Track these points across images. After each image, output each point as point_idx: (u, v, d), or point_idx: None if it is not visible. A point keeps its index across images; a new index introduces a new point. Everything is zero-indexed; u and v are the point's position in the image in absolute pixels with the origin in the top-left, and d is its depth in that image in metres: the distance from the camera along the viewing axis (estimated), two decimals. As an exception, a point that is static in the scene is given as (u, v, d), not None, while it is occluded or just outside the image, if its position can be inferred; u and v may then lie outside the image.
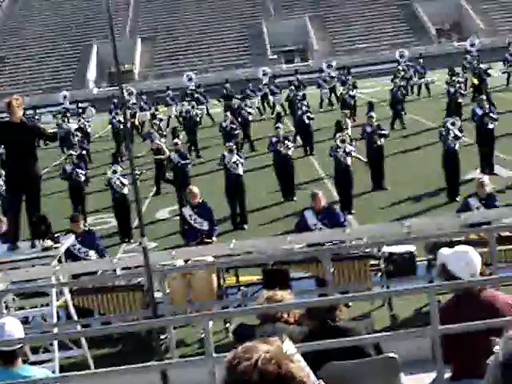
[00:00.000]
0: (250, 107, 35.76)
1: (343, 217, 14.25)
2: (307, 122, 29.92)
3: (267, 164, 25.23)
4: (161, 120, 33.35)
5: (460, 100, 30.35)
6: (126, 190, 20.49)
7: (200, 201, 15.70)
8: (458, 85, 31.49)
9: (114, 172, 20.70)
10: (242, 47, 69.77)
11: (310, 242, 12.74)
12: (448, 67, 36.31)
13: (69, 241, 12.28)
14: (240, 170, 20.52)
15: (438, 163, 20.93)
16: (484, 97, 25.01)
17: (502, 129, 25.40)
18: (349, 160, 20.18)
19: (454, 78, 32.94)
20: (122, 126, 34.23)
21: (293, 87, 39.15)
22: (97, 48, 68.75)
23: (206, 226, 15.41)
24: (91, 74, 68.15)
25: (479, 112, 23.56)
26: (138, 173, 19.25)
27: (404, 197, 21.16)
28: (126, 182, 20.47)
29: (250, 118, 33.76)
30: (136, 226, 18.19)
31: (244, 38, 71.10)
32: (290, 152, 22.94)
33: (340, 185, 20.42)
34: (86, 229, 14.91)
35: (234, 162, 20.38)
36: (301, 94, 35.19)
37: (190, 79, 44.91)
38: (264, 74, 44.78)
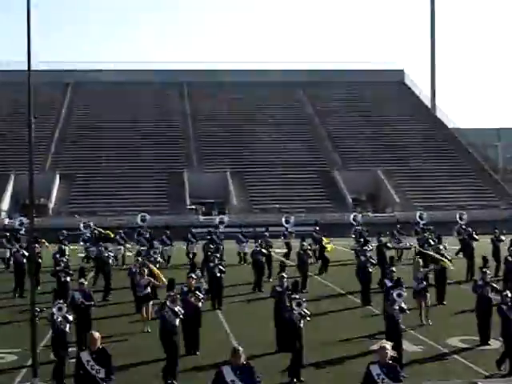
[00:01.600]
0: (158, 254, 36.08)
1: (259, 377, 13.84)
2: (218, 275, 29.74)
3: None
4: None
5: (370, 269, 30.59)
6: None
7: (100, 347, 15.12)
8: (368, 254, 31.89)
9: (59, 309, 19.90)
10: (161, 194, 70.06)
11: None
12: (362, 237, 37.03)
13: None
14: (177, 322, 20.07)
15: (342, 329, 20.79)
16: (394, 268, 25.27)
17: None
18: (302, 323, 19.84)
19: (365, 247, 33.44)
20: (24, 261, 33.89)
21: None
22: (14, 178, 68.21)
23: (102, 374, 14.79)
24: (4, 204, 67.33)
25: (388, 284, 23.78)
26: (38, 310, 18.54)
27: (310, 361, 20.86)
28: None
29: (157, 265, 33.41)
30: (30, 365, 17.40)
31: (164, 185, 71.52)
32: (199, 304, 22.61)
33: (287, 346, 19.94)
34: None
35: (174, 312, 19.92)
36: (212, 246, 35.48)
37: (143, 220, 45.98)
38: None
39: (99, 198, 68.16)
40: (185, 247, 43.44)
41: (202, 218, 66.25)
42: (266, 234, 40.96)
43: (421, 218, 47.12)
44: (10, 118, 78.88)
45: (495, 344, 22.28)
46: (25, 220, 18.40)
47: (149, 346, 22.45)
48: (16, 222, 17.33)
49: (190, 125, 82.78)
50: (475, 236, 39.40)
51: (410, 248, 40.56)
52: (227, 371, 13.58)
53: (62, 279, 29.19)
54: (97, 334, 15.29)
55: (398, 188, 71.88)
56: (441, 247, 32.41)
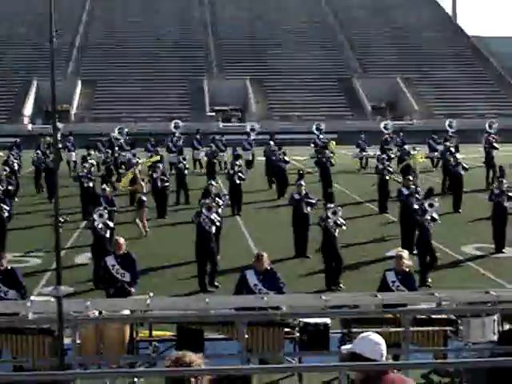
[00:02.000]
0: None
1: (283, 282, 14.24)
2: (238, 182, 30.08)
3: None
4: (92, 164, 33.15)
5: (387, 177, 30.66)
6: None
7: (125, 251, 15.58)
8: (386, 162, 31.83)
9: (100, 216, 20.38)
10: (183, 101, 70.07)
11: (229, 307, 12.74)
12: (380, 144, 37.04)
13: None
14: (213, 229, 20.22)
15: (361, 236, 21.12)
16: (411, 177, 25.37)
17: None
18: (337, 232, 19.86)
19: (383, 155, 33.34)
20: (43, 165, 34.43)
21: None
22: (36, 85, 68.33)
23: (127, 278, 15.27)
24: (27, 109, 67.62)
25: (405, 192, 23.93)
26: (62, 220, 18.87)
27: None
28: None
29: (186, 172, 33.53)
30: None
31: (185, 92, 71.46)
32: (219, 210, 22.87)
33: (326, 257, 19.82)
34: (8, 267, 14.44)
35: (211, 220, 20.15)
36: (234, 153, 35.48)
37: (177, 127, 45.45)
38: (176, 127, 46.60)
39: (121, 104, 68.28)
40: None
41: (221, 124, 66.33)
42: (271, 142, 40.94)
43: (450, 126, 46.11)
44: (30, 25, 78.41)
45: (510, 252, 22.63)
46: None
47: (168, 251, 23.00)
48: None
49: (210, 32, 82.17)
50: (495, 145, 39.34)
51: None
52: (250, 275, 13.96)
53: (85, 185, 29.65)
54: (122, 239, 15.76)
55: (417, 96, 71.45)
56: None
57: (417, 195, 23.61)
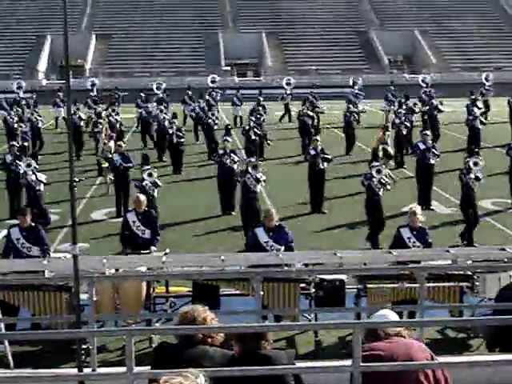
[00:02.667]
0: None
1: (292, 237, 14.27)
2: (253, 137, 30.01)
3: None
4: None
5: (404, 132, 30.47)
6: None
7: (146, 209, 15.66)
8: (403, 117, 31.52)
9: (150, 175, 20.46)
10: (197, 55, 69.75)
11: (243, 264, 12.78)
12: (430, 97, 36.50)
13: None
14: (257, 188, 20.28)
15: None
16: (428, 132, 25.26)
17: (443, 165, 25.84)
18: (381, 191, 19.57)
19: (400, 110, 32.91)
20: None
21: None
22: (50, 40, 68.10)
23: (147, 235, 15.33)
24: (42, 65, 67.49)
25: (422, 147, 23.81)
26: (77, 180, 18.88)
27: (341, 222, 21.31)
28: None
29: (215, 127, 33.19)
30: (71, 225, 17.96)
31: (200, 46, 71.10)
32: (235, 166, 22.87)
33: (370, 212, 19.48)
34: (32, 224, 14.56)
35: (256, 179, 20.12)
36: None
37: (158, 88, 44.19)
38: (212, 82, 45.23)
39: (135, 59, 68.06)
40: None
41: (237, 79, 66.03)
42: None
43: (487, 79, 44.86)
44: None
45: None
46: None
47: (188, 206, 23.09)
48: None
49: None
50: None
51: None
52: (260, 232, 14.02)
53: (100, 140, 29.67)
54: (143, 197, 15.85)
55: (434, 49, 70.81)
56: None
57: (434, 150, 23.55)
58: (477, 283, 12.67)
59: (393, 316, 6.86)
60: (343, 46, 70.98)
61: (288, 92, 45.21)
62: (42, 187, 20.84)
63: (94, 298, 11.20)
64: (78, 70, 64.99)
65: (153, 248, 15.14)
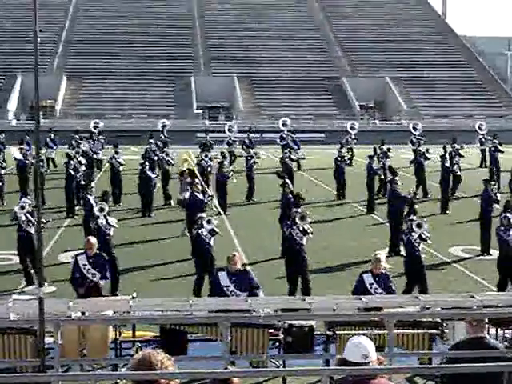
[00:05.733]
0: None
1: (257, 282, 14.18)
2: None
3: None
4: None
5: (382, 177, 31.18)
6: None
7: (97, 252, 15.49)
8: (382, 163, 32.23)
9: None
10: (169, 98, 69.87)
11: (213, 309, 12.66)
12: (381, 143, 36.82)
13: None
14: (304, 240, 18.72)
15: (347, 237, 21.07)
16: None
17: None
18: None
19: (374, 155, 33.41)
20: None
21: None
22: (21, 80, 67.92)
23: (97, 278, 15.19)
24: (12, 105, 67.22)
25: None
26: (45, 221, 18.71)
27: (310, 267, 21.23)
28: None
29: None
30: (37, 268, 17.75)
31: (171, 89, 71.26)
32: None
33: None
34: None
35: (304, 231, 18.55)
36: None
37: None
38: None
39: (107, 101, 68.02)
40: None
41: (208, 122, 66.12)
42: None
43: (415, 128, 45.22)
44: (16, 18, 77.89)
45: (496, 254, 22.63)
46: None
47: (157, 249, 22.87)
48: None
49: (197, 28, 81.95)
50: (500, 147, 39.01)
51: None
52: (222, 276, 13.93)
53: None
54: (93, 239, 15.77)
55: (405, 95, 71.51)
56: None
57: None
58: (446, 330, 12.64)
59: (367, 343, 6.75)
60: (315, 91, 71.41)
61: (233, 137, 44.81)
62: (111, 232, 19.65)
63: (60, 342, 11.03)
64: (48, 110, 64.82)
65: (101, 282, 15.32)
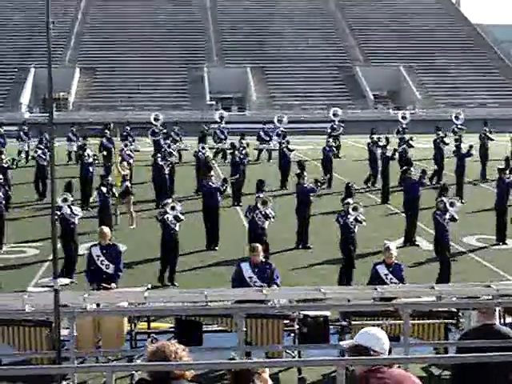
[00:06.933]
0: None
1: (277, 274, 14.18)
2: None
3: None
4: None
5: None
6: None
7: (110, 243, 15.48)
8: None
9: (65, 200, 20.06)
10: (181, 90, 69.85)
11: (227, 299, 12.67)
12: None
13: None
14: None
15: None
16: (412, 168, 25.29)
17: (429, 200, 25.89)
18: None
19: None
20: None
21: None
22: (34, 72, 68.01)
23: (111, 270, 15.14)
24: (25, 97, 67.34)
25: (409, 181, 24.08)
26: (59, 213, 18.90)
27: (325, 258, 21.20)
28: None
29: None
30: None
31: (184, 80, 71.24)
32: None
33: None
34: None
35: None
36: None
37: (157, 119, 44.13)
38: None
39: (119, 93, 68.03)
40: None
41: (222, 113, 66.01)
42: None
43: (457, 117, 44.66)
44: (28, 10, 78.02)
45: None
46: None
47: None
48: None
49: (210, 18, 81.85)
50: (491, 135, 38.72)
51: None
52: (246, 268, 13.91)
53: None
54: (107, 229, 15.76)
55: (419, 85, 71.25)
56: None
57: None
58: (461, 320, 12.60)
59: (381, 334, 6.69)
60: (328, 81, 71.27)
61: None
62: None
63: (75, 334, 11.05)
64: (61, 103, 64.94)
65: (113, 285, 14.85)
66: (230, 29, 79.11)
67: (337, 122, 44.51)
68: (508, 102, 67.68)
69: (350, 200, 19.58)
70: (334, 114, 45.84)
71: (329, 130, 42.63)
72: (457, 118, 43.68)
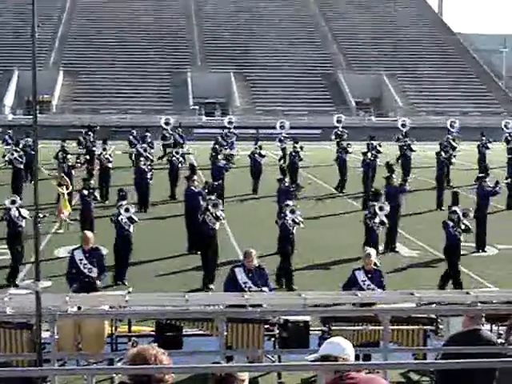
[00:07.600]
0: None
1: (268, 279, 14.25)
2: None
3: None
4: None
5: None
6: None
7: (93, 246, 15.49)
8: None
9: (13, 202, 19.99)
10: (165, 94, 69.82)
11: (208, 303, 12.71)
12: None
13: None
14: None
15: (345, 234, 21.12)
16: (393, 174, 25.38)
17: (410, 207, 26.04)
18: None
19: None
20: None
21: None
22: (18, 75, 67.81)
23: (94, 274, 15.19)
24: (8, 99, 67.13)
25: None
26: (41, 216, 18.74)
27: (312, 263, 21.26)
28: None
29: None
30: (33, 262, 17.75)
31: (168, 85, 71.20)
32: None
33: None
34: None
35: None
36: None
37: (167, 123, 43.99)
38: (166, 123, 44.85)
39: (103, 96, 67.94)
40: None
41: (204, 118, 66.16)
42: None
43: (403, 125, 44.82)
44: (13, 13, 77.72)
45: (491, 251, 22.69)
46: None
47: (153, 244, 22.92)
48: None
49: (194, 23, 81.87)
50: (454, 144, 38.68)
51: None
52: (240, 273, 13.94)
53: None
54: (90, 234, 15.77)
55: (401, 92, 71.56)
56: None
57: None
58: (441, 326, 12.69)
59: (345, 343, 6.72)
60: (311, 87, 71.45)
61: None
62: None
63: (56, 336, 11.06)
64: (44, 105, 64.75)
65: (98, 283, 15.21)
66: (213, 34, 79.17)
67: (340, 128, 44.73)
68: (488, 111, 68.13)
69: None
70: (338, 121, 46.09)
71: (333, 137, 42.85)
72: (452, 126, 44.00)
